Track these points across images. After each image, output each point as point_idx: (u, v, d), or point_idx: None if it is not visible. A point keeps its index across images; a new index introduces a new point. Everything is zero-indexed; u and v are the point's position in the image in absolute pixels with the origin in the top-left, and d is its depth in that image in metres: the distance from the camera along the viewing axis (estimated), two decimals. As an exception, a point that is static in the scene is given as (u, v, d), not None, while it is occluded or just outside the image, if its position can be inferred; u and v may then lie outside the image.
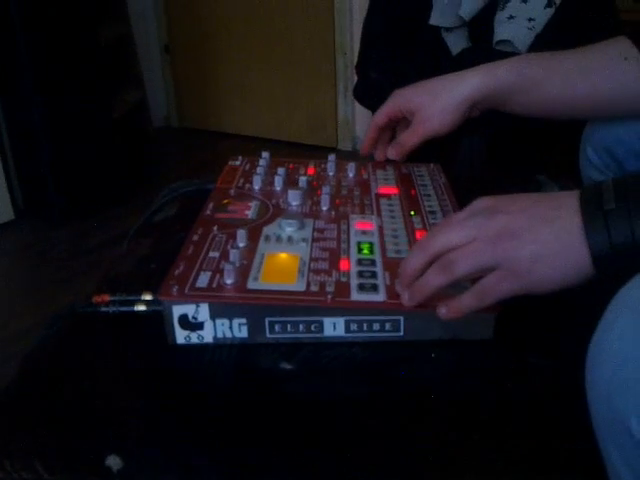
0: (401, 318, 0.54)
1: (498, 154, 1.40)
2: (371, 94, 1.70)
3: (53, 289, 1.90)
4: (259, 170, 0.76)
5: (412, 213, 0.68)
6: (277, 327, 0.54)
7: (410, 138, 0.77)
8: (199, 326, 0.54)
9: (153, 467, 0.44)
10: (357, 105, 2.64)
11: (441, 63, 1.50)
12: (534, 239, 0.46)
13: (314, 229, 0.64)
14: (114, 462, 0.43)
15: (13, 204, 2.39)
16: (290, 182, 0.74)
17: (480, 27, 1.40)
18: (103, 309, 0.57)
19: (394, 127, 0.82)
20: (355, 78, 1.77)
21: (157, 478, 0.43)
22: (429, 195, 0.73)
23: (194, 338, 0.55)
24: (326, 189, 0.71)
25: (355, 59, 1.75)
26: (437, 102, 0.74)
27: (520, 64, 0.72)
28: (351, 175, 0.78)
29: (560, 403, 0.49)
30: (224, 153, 0.83)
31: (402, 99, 0.77)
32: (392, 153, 0.80)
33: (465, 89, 0.73)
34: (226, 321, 0.54)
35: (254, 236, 0.62)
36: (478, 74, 0.73)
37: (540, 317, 0.57)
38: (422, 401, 0.50)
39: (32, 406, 0.50)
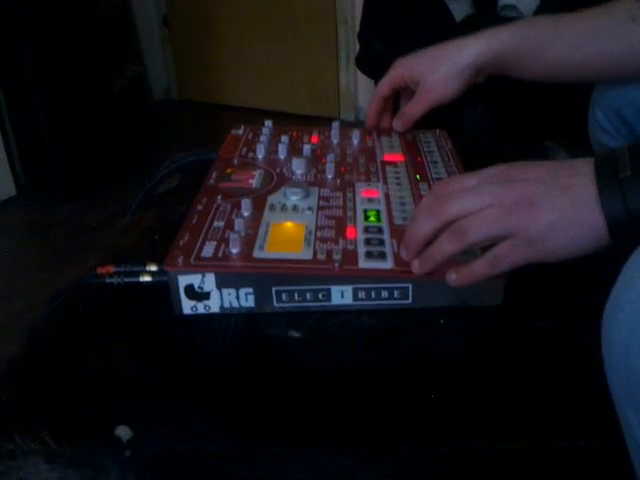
0: (410, 285, 0.54)
1: (504, 120, 1.39)
2: (374, 63, 1.68)
3: (56, 265, 1.90)
4: (262, 139, 0.75)
5: (418, 177, 0.67)
6: (284, 296, 0.54)
7: (415, 108, 0.76)
8: (205, 296, 0.54)
9: (162, 436, 0.44)
10: (359, 75, 2.62)
11: (444, 30, 1.48)
12: (550, 208, 0.45)
13: (319, 197, 0.63)
14: (123, 432, 0.43)
15: (15, 180, 2.38)
16: (294, 150, 0.73)
17: (484, -8, 1.38)
18: (108, 280, 0.56)
19: (397, 96, 0.81)
20: (357, 47, 1.74)
21: (167, 447, 0.43)
22: (436, 162, 0.72)
23: (201, 308, 0.54)
24: (331, 157, 0.70)
25: (357, 28, 1.72)
26: (440, 69, 0.73)
27: (525, 27, 0.71)
28: (356, 142, 0.76)
29: (573, 367, 0.49)
30: (225, 125, 0.82)
31: (405, 68, 0.76)
32: (397, 125, 0.79)
33: (469, 55, 0.71)
34: (233, 291, 0.54)
35: (259, 205, 0.61)
36: (482, 39, 0.71)
37: (550, 282, 0.56)
38: (431, 368, 0.49)
39: (39, 378, 0.49)
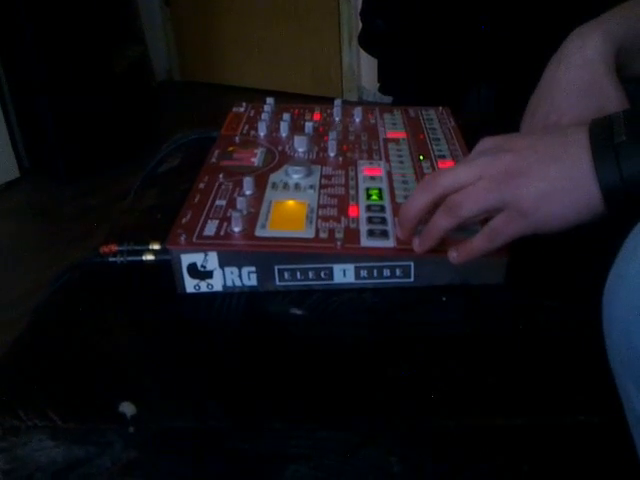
0: (411, 264, 0.54)
1: (507, 98, 1.38)
2: (376, 41, 1.67)
3: (60, 246, 1.91)
4: (264, 116, 0.75)
5: (421, 157, 0.67)
6: (286, 274, 0.54)
7: None
8: (208, 275, 0.54)
9: (166, 413, 0.44)
10: (362, 54, 2.60)
11: (446, 7, 1.46)
12: (542, 177, 0.45)
13: (321, 175, 0.63)
14: (127, 409, 0.43)
15: (18, 162, 2.39)
16: (296, 128, 0.73)
17: (488, -32, 1.36)
18: (111, 259, 0.56)
19: None
20: (360, 25, 1.73)
21: (170, 423, 0.43)
22: (438, 139, 0.71)
23: (203, 287, 0.54)
24: (333, 135, 0.69)
25: (359, 6, 1.71)
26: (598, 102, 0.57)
27: (629, 17, 0.58)
28: (358, 120, 0.76)
29: (573, 343, 0.49)
30: (227, 106, 0.81)
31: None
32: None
33: (601, 65, 0.57)
34: (235, 269, 0.54)
35: (261, 183, 0.61)
36: (600, 41, 0.57)
37: (552, 260, 0.56)
38: (433, 344, 0.49)
39: (44, 356, 0.50)
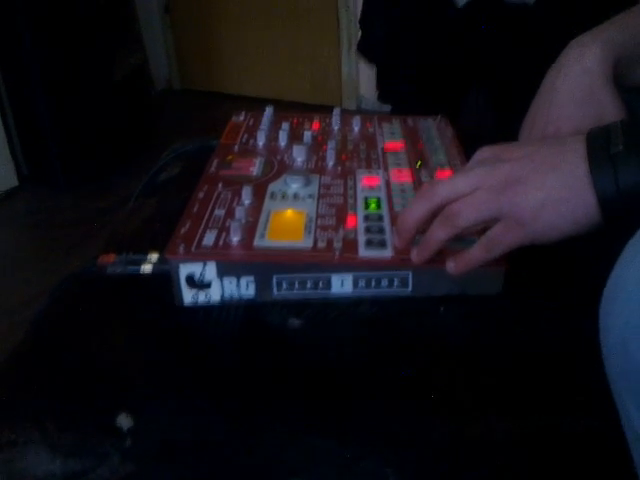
0: (409, 274, 0.54)
1: (505, 106, 1.38)
2: (376, 49, 1.67)
3: (59, 254, 1.90)
4: (263, 125, 0.75)
5: (419, 163, 0.67)
6: (284, 285, 0.54)
7: None
8: (206, 285, 0.54)
9: (163, 425, 0.44)
10: (361, 62, 2.60)
11: (446, 15, 1.47)
12: (539, 186, 0.45)
13: (320, 185, 0.63)
14: (124, 421, 0.43)
15: (17, 170, 2.38)
16: (295, 137, 0.73)
17: (487, -24, 1.36)
18: (109, 269, 0.56)
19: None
20: (359, 33, 1.73)
21: (167, 436, 0.43)
22: (436, 149, 0.71)
23: (202, 297, 0.54)
24: (331, 144, 0.69)
25: (359, 13, 1.71)
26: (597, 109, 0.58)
27: (629, 26, 0.58)
28: (357, 129, 0.76)
29: (572, 352, 0.48)
30: (226, 114, 0.81)
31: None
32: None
33: (601, 74, 0.57)
34: (233, 279, 0.54)
35: (259, 193, 0.61)
36: (596, 49, 0.57)
37: (549, 271, 0.56)
38: (431, 353, 0.49)
39: (41, 367, 0.49)
